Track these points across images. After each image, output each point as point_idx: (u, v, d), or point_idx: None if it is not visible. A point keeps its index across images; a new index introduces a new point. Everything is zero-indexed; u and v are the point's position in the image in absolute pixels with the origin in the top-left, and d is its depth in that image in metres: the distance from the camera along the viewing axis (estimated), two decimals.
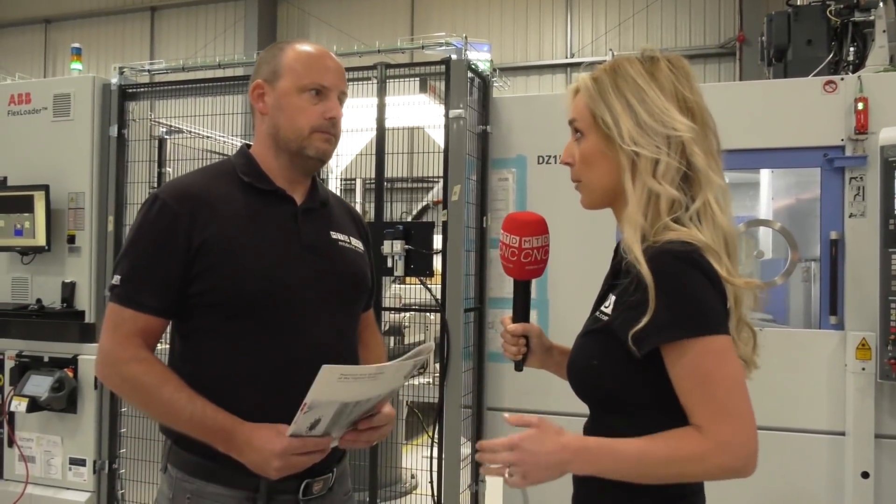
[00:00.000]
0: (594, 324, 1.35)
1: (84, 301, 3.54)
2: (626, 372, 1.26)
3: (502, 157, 3.36)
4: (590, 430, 1.39)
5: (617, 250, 1.42)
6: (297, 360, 1.52)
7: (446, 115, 3.10)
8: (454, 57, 3.10)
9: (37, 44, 13.76)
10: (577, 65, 10.99)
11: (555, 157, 3.28)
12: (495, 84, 3.41)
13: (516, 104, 3.41)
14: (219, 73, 3.69)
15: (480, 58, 3.33)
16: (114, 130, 3.58)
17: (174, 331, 1.60)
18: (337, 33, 11.34)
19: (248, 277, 1.52)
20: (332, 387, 1.33)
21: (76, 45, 3.94)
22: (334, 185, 4.85)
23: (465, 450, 3.25)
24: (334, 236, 1.68)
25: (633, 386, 1.27)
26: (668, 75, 1.32)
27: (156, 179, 4.93)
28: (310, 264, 1.60)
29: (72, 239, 3.56)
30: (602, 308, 1.34)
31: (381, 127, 3.18)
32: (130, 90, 3.59)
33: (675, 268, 1.20)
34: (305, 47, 1.64)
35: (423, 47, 3.15)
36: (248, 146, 1.69)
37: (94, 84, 3.58)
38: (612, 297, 1.31)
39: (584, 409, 1.41)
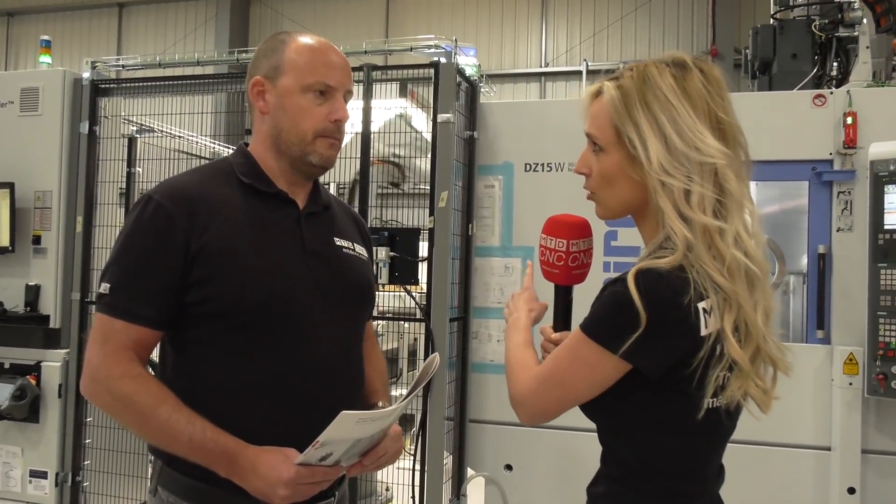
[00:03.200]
0: None
1: (49, 305, 3.38)
2: (618, 392, 1.23)
3: (489, 163, 3.29)
4: (602, 453, 1.35)
5: None
6: (303, 372, 1.45)
7: (434, 120, 3.02)
8: (443, 60, 3.02)
9: None
10: (552, 74, 11.03)
11: (542, 164, 3.23)
12: (482, 89, 3.34)
13: (504, 110, 3.35)
14: (191, 71, 3.57)
15: (468, 62, 3.27)
16: (85, 127, 3.43)
17: (166, 342, 1.48)
18: None
19: (250, 286, 1.42)
20: (347, 429, 1.29)
21: (45, 37, 3.79)
22: None
23: (448, 463, 3.17)
24: (338, 242, 1.59)
25: (627, 407, 1.25)
26: (701, 91, 1.22)
27: (124, 180, 4.80)
28: (314, 272, 1.50)
29: (37, 240, 3.40)
30: None
31: (367, 131, 3.10)
32: (103, 85, 3.45)
33: (619, 288, 1.17)
34: (308, 40, 1.52)
35: (411, 49, 3.07)
36: (246, 144, 1.58)
37: (65, 78, 3.43)
38: None
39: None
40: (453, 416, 3.20)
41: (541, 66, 11.10)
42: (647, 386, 1.19)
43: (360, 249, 1.64)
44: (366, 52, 3.13)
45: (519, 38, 11.26)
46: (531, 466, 3.17)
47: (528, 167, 3.25)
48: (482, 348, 3.27)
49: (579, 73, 10.48)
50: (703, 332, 1.16)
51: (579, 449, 3.11)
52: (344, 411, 1.23)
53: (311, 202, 1.58)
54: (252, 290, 1.41)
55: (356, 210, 2.26)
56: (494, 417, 3.24)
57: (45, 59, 3.71)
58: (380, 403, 1.65)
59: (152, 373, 1.47)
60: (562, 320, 1.48)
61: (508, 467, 3.19)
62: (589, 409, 1.30)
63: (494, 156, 3.29)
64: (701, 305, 1.16)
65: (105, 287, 1.41)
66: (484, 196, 3.30)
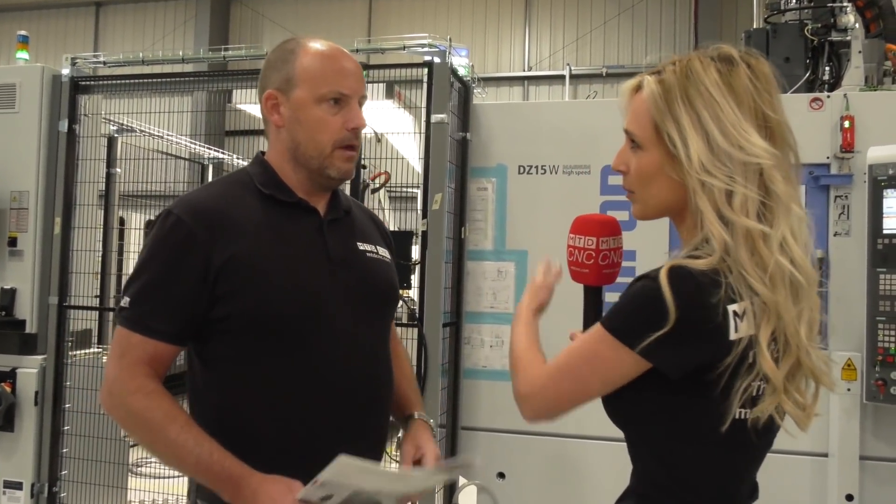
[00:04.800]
0: None
1: (25, 309, 3.27)
2: (644, 397, 1.19)
3: (482, 165, 3.23)
4: (634, 469, 1.30)
5: None
6: (335, 382, 1.44)
7: (428, 121, 2.96)
8: (437, 60, 2.96)
9: None
10: (535, 78, 11.03)
11: (536, 167, 3.18)
12: (475, 91, 3.29)
13: (497, 112, 3.29)
14: (174, 69, 3.48)
15: (461, 62, 3.21)
16: (64, 125, 3.32)
17: (193, 356, 1.47)
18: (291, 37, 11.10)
19: (279, 299, 1.40)
20: (347, 475, 1.26)
21: (23, 32, 3.66)
22: None
23: None
24: (361, 247, 1.56)
25: (652, 412, 1.20)
26: (748, 87, 1.15)
27: (104, 180, 4.68)
28: (340, 280, 1.48)
29: (13, 241, 3.29)
30: None
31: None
32: (83, 83, 3.34)
33: (649, 283, 1.12)
34: (319, 47, 1.48)
35: (405, 48, 3.00)
36: (263, 153, 1.57)
37: (44, 74, 3.32)
38: None
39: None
40: (445, 423, 3.13)
41: (524, 70, 11.09)
42: (669, 388, 1.14)
43: (383, 252, 1.63)
44: (357, 50, 3.06)
45: (502, 42, 11.25)
46: (524, 474, 3.11)
47: (521, 169, 3.19)
48: (474, 354, 3.21)
49: (562, 77, 10.48)
50: (733, 335, 1.10)
51: (573, 456, 3.06)
52: (341, 455, 1.22)
53: (331, 208, 1.55)
54: (281, 302, 1.40)
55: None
56: (487, 424, 3.18)
57: (23, 55, 3.59)
58: (415, 415, 1.63)
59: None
60: (591, 321, 1.39)
61: (501, 475, 3.13)
62: (613, 414, 1.26)
63: (488, 158, 3.23)
64: (732, 308, 1.10)
65: (126, 301, 1.42)
66: (477, 199, 3.23)
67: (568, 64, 10.59)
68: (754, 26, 4.54)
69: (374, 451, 1.50)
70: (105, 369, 1.44)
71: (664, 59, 1.25)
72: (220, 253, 1.38)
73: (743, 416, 1.15)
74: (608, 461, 2.92)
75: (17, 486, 3.27)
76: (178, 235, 1.40)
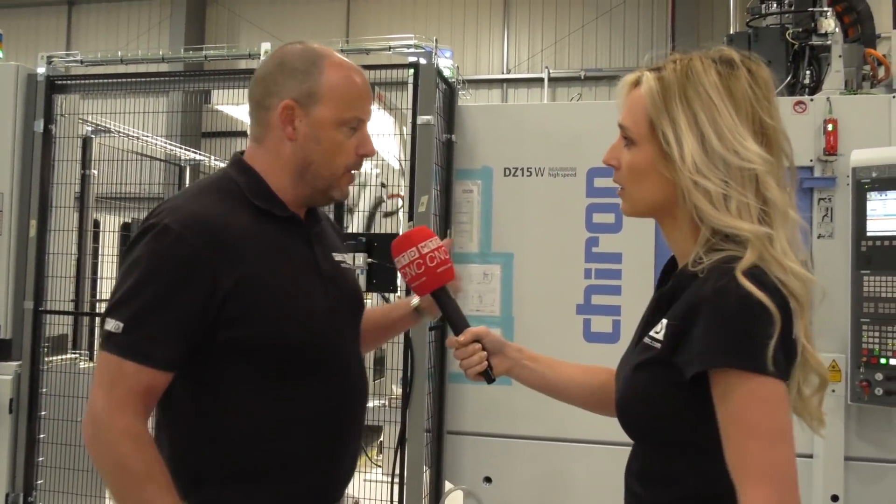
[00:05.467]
0: (644, 353, 1.20)
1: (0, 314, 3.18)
2: (684, 408, 1.13)
3: (467, 167, 3.21)
4: (639, 471, 1.24)
5: (666, 274, 1.30)
6: (341, 402, 1.44)
7: (414, 122, 2.93)
8: (423, 61, 2.94)
9: None
10: (514, 81, 11.05)
11: (522, 169, 3.16)
12: (460, 92, 3.26)
13: (483, 113, 3.27)
14: (152, 69, 3.42)
15: (445, 64, 3.19)
16: (39, 125, 3.24)
17: (182, 383, 1.36)
18: (269, 38, 11.01)
19: (290, 321, 1.36)
20: None
21: None
22: None
23: (425, 476, 3.07)
24: (336, 258, 1.54)
25: (692, 425, 1.13)
26: (747, 92, 1.14)
27: (79, 182, 4.58)
28: (331, 296, 1.45)
29: None
30: (651, 334, 1.20)
31: None
32: (59, 82, 3.26)
33: (742, 290, 1.05)
34: (343, 64, 1.43)
35: (390, 49, 2.98)
36: (242, 154, 1.48)
37: (18, 73, 3.24)
38: (664, 322, 1.17)
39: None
40: (431, 427, 3.10)
41: (503, 73, 11.11)
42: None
43: (349, 259, 1.61)
44: (342, 51, 3.02)
45: (481, 45, 11.25)
46: (511, 479, 3.08)
47: (507, 172, 3.18)
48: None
49: (541, 80, 10.51)
50: (794, 333, 1.09)
51: (560, 460, 3.05)
52: None
53: (311, 220, 1.51)
54: (291, 326, 1.36)
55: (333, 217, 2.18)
56: (473, 428, 3.15)
57: None
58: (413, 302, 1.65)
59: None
60: (460, 320, 1.44)
61: (488, 480, 3.10)
62: (649, 429, 1.19)
63: (473, 160, 3.21)
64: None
65: (116, 325, 1.29)
66: (462, 201, 3.21)
67: (546, 67, 10.62)
68: (731, 30, 4.58)
69: (355, 464, 1.52)
70: (91, 398, 1.32)
71: (643, 63, 1.26)
72: (228, 274, 1.31)
73: None
74: (595, 465, 2.92)
75: None
76: (182, 254, 1.30)
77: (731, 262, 1.09)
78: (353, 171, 1.47)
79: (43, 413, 3.24)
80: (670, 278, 1.26)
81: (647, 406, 1.17)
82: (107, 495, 4.03)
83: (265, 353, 1.34)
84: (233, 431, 1.35)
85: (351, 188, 4.11)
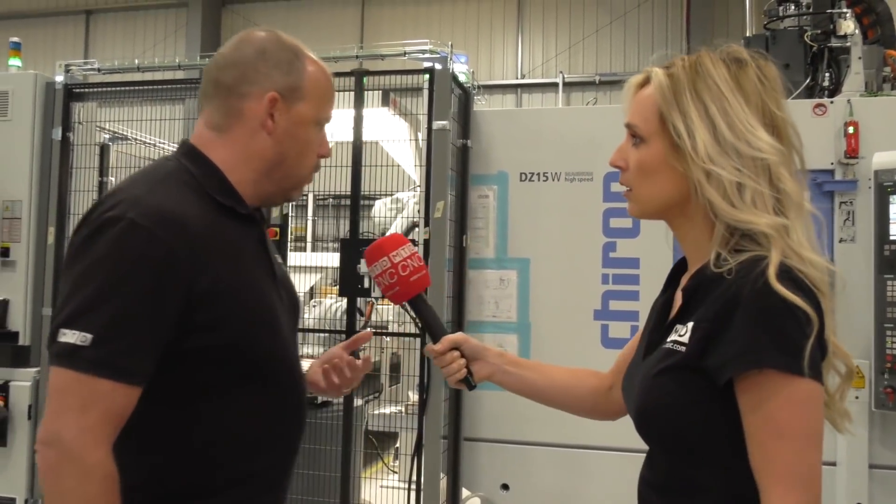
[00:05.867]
0: (667, 358, 1.15)
1: (18, 321, 3.21)
2: (714, 416, 1.08)
3: (483, 172, 3.20)
4: (659, 482, 1.19)
5: (678, 271, 1.28)
6: (294, 408, 1.37)
7: (429, 127, 2.93)
8: (438, 66, 2.93)
9: None
10: (528, 86, 11.03)
11: (538, 174, 3.15)
12: (475, 98, 3.26)
13: (498, 118, 3.27)
14: (170, 76, 3.44)
15: (461, 69, 3.18)
16: (57, 133, 3.27)
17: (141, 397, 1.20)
18: None
19: (258, 327, 1.28)
20: None
21: (15, 39, 3.61)
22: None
23: (441, 484, 3.05)
24: (277, 259, 1.44)
25: (723, 433, 1.09)
26: (756, 85, 1.14)
27: (96, 189, 4.62)
28: (283, 300, 1.38)
29: (6, 252, 3.23)
30: (675, 338, 1.15)
31: (359, 139, 2.99)
32: (77, 90, 3.29)
33: (776, 290, 1.02)
34: (321, 65, 1.37)
35: (405, 54, 2.97)
36: (193, 145, 1.35)
37: (36, 82, 3.27)
38: (690, 325, 1.13)
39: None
40: (447, 434, 3.09)
41: (517, 78, 11.09)
42: None
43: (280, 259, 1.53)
44: (357, 57, 3.02)
45: (495, 50, 11.24)
46: (529, 485, 3.06)
47: (523, 177, 3.16)
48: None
49: (556, 84, 10.48)
50: (826, 333, 1.08)
51: (580, 467, 3.02)
52: None
53: (261, 218, 1.42)
54: (261, 332, 1.28)
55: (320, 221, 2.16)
56: (489, 435, 3.13)
57: (15, 62, 3.53)
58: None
59: None
60: (437, 328, 1.42)
61: (505, 487, 3.08)
62: (673, 437, 1.14)
63: (488, 165, 3.20)
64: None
65: (83, 338, 1.11)
66: (478, 206, 3.20)
67: (561, 72, 10.59)
68: (747, 33, 4.55)
69: (294, 463, 1.45)
70: (53, 423, 1.12)
71: (652, 62, 1.23)
72: (200, 277, 1.18)
73: None
74: (614, 472, 2.89)
75: (10, 501, 3.20)
76: (155, 254, 1.15)
77: (759, 262, 1.06)
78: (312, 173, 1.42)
79: None
80: (679, 282, 1.23)
81: (675, 414, 1.12)
82: None
83: (236, 361, 1.24)
84: (199, 445, 1.24)
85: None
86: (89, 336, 1.11)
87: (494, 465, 3.11)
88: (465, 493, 3.13)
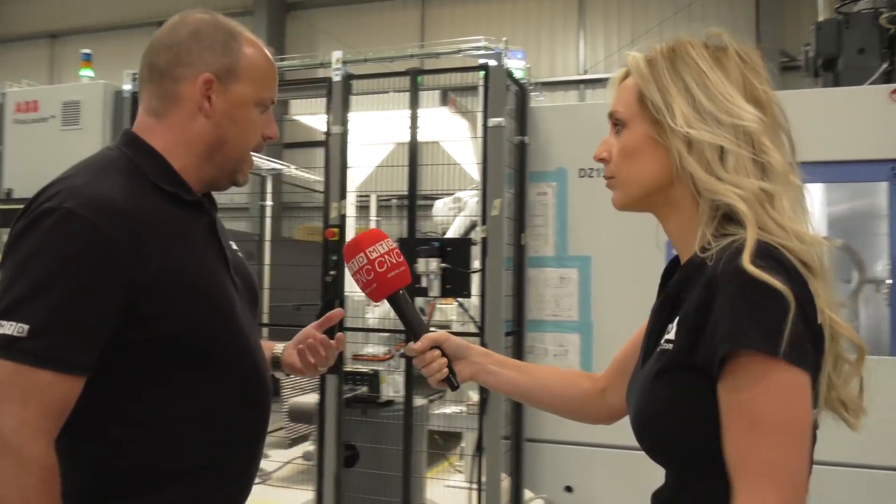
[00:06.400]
0: (660, 359, 1.07)
1: None
2: (714, 420, 0.98)
3: (541, 169, 3.16)
4: (670, 499, 1.10)
5: (669, 274, 1.20)
6: (251, 395, 1.35)
7: (485, 125, 2.90)
8: (493, 63, 2.90)
9: (42, 59, 13.62)
10: (590, 81, 10.87)
11: (598, 170, 3.07)
12: (533, 94, 3.21)
13: (557, 114, 3.21)
14: None
15: (517, 65, 3.14)
16: None
17: (86, 391, 1.17)
18: (344, 47, 11.19)
19: (207, 313, 1.26)
20: None
21: (86, 50, 3.75)
22: (349, 201, 4.64)
23: (504, 484, 3.02)
24: (233, 246, 1.43)
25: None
26: (737, 62, 1.10)
27: None
28: (238, 286, 1.36)
29: None
30: (667, 337, 1.07)
31: (414, 138, 2.98)
32: None
33: (748, 271, 0.94)
34: (259, 46, 1.36)
35: (460, 52, 2.95)
36: (135, 133, 1.32)
37: (105, 91, 3.39)
38: (677, 319, 1.05)
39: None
40: (509, 435, 3.05)
41: (578, 74, 10.94)
42: None
43: (236, 247, 1.49)
44: (412, 55, 3.02)
45: (556, 46, 11.12)
46: (593, 488, 3.00)
47: (582, 173, 3.10)
48: (538, 364, 3.12)
49: None
50: (819, 319, 0.98)
51: (644, 469, 2.93)
52: None
53: (210, 204, 1.40)
54: (206, 320, 1.25)
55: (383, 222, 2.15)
56: (552, 436, 3.08)
57: (87, 72, 3.67)
58: (277, 349, 1.58)
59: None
60: (418, 326, 1.37)
61: (569, 489, 3.03)
62: (674, 446, 1.06)
63: (547, 162, 3.15)
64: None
65: (20, 328, 1.09)
66: (536, 204, 3.16)
67: (624, 66, 10.39)
68: (819, 18, 4.35)
69: (261, 452, 1.44)
70: None
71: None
72: (144, 266, 1.17)
73: (816, 418, 1.02)
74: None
75: None
76: (94, 243, 1.13)
77: (738, 243, 0.99)
78: (254, 158, 1.39)
79: None
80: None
81: (672, 419, 1.04)
82: None
83: (186, 352, 1.22)
84: (148, 437, 1.22)
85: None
86: (26, 327, 1.10)
87: (557, 467, 3.06)
88: (528, 494, 3.10)
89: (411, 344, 1.36)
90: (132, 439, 1.21)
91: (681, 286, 1.08)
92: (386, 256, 1.33)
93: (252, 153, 1.37)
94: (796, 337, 0.92)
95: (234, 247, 1.44)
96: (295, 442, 6.00)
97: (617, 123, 1.17)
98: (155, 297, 1.18)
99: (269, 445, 6.39)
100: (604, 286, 3.05)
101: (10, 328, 1.10)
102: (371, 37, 11.40)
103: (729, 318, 0.94)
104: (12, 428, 1.08)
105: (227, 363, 1.29)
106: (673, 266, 1.21)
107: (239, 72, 1.30)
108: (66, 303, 1.12)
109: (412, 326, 1.36)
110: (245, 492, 1.38)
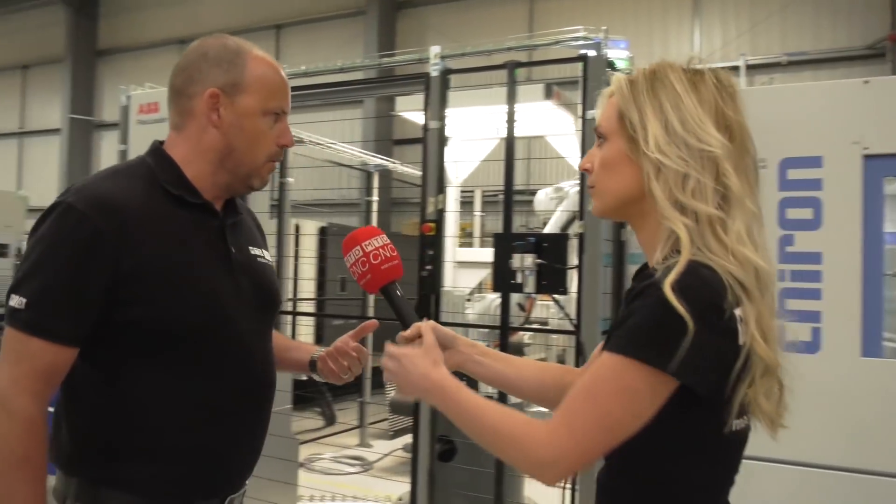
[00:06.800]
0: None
1: None
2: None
3: None
4: (609, 487, 1.23)
5: (636, 276, 1.30)
6: (240, 388, 1.46)
7: (583, 118, 2.83)
8: (591, 53, 2.82)
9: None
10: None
11: None
12: None
13: None
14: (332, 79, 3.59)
15: (619, 55, 3.04)
16: None
17: (83, 364, 1.39)
18: (452, 43, 11.26)
19: (187, 306, 1.39)
20: None
21: None
22: (453, 196, 4.67)
23: None
24: (252, 251, 1.57)
25: (651, 432, 1.12)
26: (711, 88, 1.20)
27: (277, 189, 4.96)
28: (241, 284, 1.49)
29: None
30: None
31: (511, 135, 2.95)
32: None
33: (658, 290, 1.07)
34: (266, 58, 1.49)
35: (557, 43, 2.89)
36: (161, 143, 1.51)
37: None
38: None
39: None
40: None
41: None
42: (683, 405, 1.10)
43: (268, 256, 1.65)
44: (509, 49, 2.99)
45: (669, 35, 10.74)
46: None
47: None
48: None
49: (736, 68, 9.81)
50: (741, 340, 1.11)
51: (801, 487, 2.73)
52: None
53: (229, 212, 1.54)
54: (187, 310, 1.38)
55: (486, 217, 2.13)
56: None
57: None
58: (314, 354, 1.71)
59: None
60: (406, 315, 1.45)
61: None
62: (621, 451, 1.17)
63: None
64: (737, 312, 1.10)
65: (20, 301, 1.32)
66: None
67: (742, 54, 9.89)
68: None
69: (259, 448, 1.55)
70: None
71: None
72: (127, 256, 1.33)
73: (737, 428, 1.16)
74: (843, 495, 2.58)
75: None
76: (83, 233, 1.32)
77: (674, 264, 1.11)
78: (274, 164, 1.52)
79: None
80: None
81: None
82: (300, 482, 4.30)
83: (161, 335, 1.37)
84: (125, 407, 1.38)
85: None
86: (24, 301, 1.32)
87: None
88: None
89: (402, 332, 1.43)
90: (109, 413, 1.38)
91: (633, 294, 1.18)
92: (380, 250, 1.44)
93: (275, 160, 1.51)
94: (690, 354, 1.05)
95: (256, 251, 1.58)
96: (397, 434, 6.12)
97: (600, 136, 1.28)
98: (134, 282, 1.34)
99: (372, 436, 6.55)
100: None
101: (14, 301, 1.33)
102: (480, 32, 11.41)
103: (629, 325, 1.10)
104: (4, 384, 1.31)
105: (207, 350, 1.42)
106: (640, 271, 1.32)
107: (244, 85, 1.45)
108: (56, 282, 1.32)
109: (402, 316, 1.44)
110: (228, 483, 1.48)
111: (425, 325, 1.38)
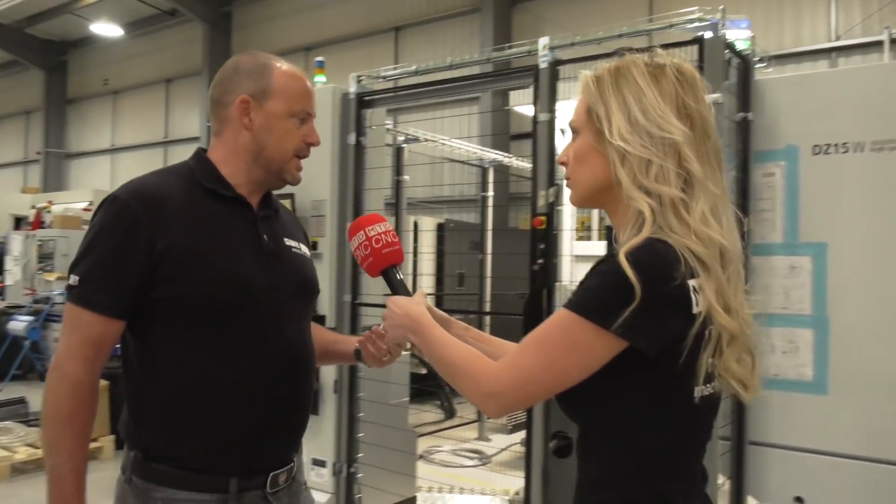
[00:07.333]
0: None
1: (325, 306, 3.63)
2: (602, 380, 1.22)
3: (767, 148, 2.88)
4: (581, 450, 1.34)
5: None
6: (267, 367, 1.59)
7: None
8: (708, 34, 2.69)
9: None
10: (844, 48, 9.69)
11: (835, 145, 2.74)
12: (758, 66, 2.93)
13: (786, 86, 2.91)
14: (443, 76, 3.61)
15: (739, 35, 2.89)
16: (352, 138, 3.63)
17: (128, 333, 1.59)
18: (570, 35, 11.07)
19: (213, 283, 1.54)
20: None
21: (320, 58, 4.09)
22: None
23: (725, 487, 2.81)
24: (287, 243, 1.73)
25: (614, 396, 1.24)
26: (672, 80, 1.28)
27: (391, 187, 5.07)
28: (272, 270, 1.64)
29: (314, 245, 3.66)
30: None
31: None
32: (367, 98, 3.62)
33: (614, 259, 1.18)
34: (291, 69, 1.67)
35: (671, 26, 2.78)
36: (204, 150, 1.71)
37: (334, 94, 3.67)
38: None
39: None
40: (730, 435, 2.84)
41: (830, 41, 9.80)
42: (641, 368, 1.20)
43: (305, 249, 1.80)
44: (620, 35, 2.90)
45: (802, 12, 10.06)
46: (827, 501, 2.69)
47: (817, 150, 2.78)
48: (764, 360, 2.84)
49: (879, 43, 9.05)
50: (695, 309, 1.19)
51: (888, 485, 2.58)
52: None
53: (263, 206, 1.71)
54: (216, 288, 1.54)
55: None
56: (780, 441, 2.81)
57: (320, 78, 4.01)
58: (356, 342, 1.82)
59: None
60: (404, 296, 1.53)
61: (799, 500, 2.74)
62: (574, 406, 1.30)
63: (774, 139, 2.87)
64: (692, 283, 1.19)
65: (74, 279, 1.53)
66: (762, 186, 2.88)
67: (887, 27, 9.11)
68: None
69: (298, 426, 1.69)
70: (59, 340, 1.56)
71: None
72: (162, 238, 1.51)
73: (704, 393, 1.24)
74: None
75: (322, 463, 3.65)
76: (125, 219, 1.52)
77: (634, 243, 1.21)
78: (301, 160, 1.68)
79: (361, 394, 3.63)
80: None
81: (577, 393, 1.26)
82: (418, 474, 4.39)
83: (192, 310, 1.53)
84: (165, 382, 1.54)
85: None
86: (77, 278, 1.53)
87: (786, 475, 2.79)
88: (751, 501, 2.86)
89: None
90: (154, 388, 1.55)
91: (596, 263, 1.28)
92: (382, 235, 1.56)
93: (302, 157, 1.68)
94: (635, 316, 1.14)
95: (291, 243, 1.74)
96: (516, 428, 6.10)
97: (574, 131, 1.37)
98: (167, 262, 1.52)
99: (491, 430, 6.58)
100: (843, 277, 2.71)
101: (71, 279, 1.54)
102: (598, 22, 11.14)
103: (584, 286, 1.23)
104: (61, 350, 1.52)
105: (240, 330, 1.56)
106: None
107: (271, 91, 1.63)
108: (102, 261, 1.52)
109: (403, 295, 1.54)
110: (269, 460, 1.60)
111: (418, 292, 1.52)
